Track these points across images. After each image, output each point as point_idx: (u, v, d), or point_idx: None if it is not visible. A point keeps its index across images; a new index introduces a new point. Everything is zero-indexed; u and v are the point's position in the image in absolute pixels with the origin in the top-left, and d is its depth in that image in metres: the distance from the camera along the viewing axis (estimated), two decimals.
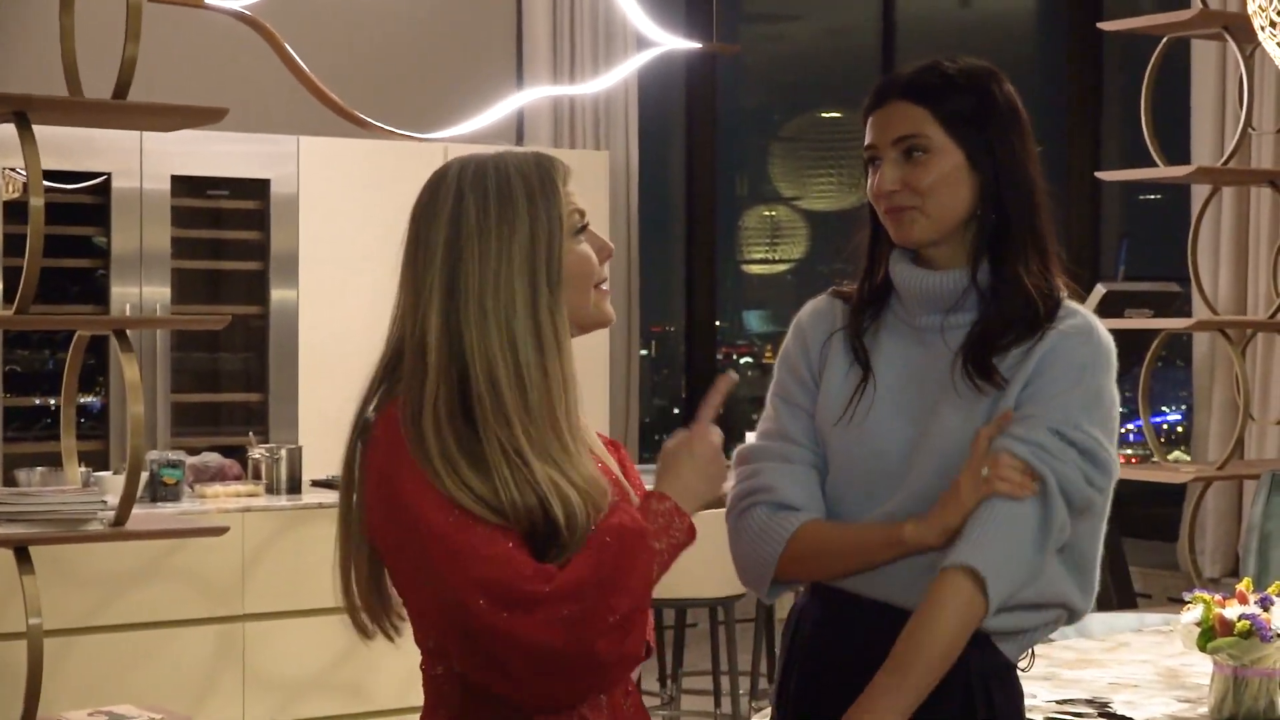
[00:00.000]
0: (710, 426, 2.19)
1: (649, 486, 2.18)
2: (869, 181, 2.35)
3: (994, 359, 2.27)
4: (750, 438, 2.49)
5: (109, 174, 6.47)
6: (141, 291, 6.53)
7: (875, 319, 2.39)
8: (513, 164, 2.11)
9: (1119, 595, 6.39)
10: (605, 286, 2.17)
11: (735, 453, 2.45)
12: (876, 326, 2.39)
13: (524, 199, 2.08)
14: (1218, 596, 2.79)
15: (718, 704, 6.02)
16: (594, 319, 2.16)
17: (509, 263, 2.06)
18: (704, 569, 4.92)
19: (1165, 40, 5.72)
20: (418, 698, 2.18)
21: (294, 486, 5.64)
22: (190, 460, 5.58)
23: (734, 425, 8.77)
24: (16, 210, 5.80)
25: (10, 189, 6.03)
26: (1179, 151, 7.05)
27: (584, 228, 2.14)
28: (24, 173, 4.19)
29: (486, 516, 1.99)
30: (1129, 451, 7.88)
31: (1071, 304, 2.33)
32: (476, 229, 2.07)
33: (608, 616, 1.98)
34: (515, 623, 1.96)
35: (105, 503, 4.27)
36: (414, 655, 2.16)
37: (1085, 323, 2.30)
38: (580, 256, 2.12)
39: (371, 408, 2.12)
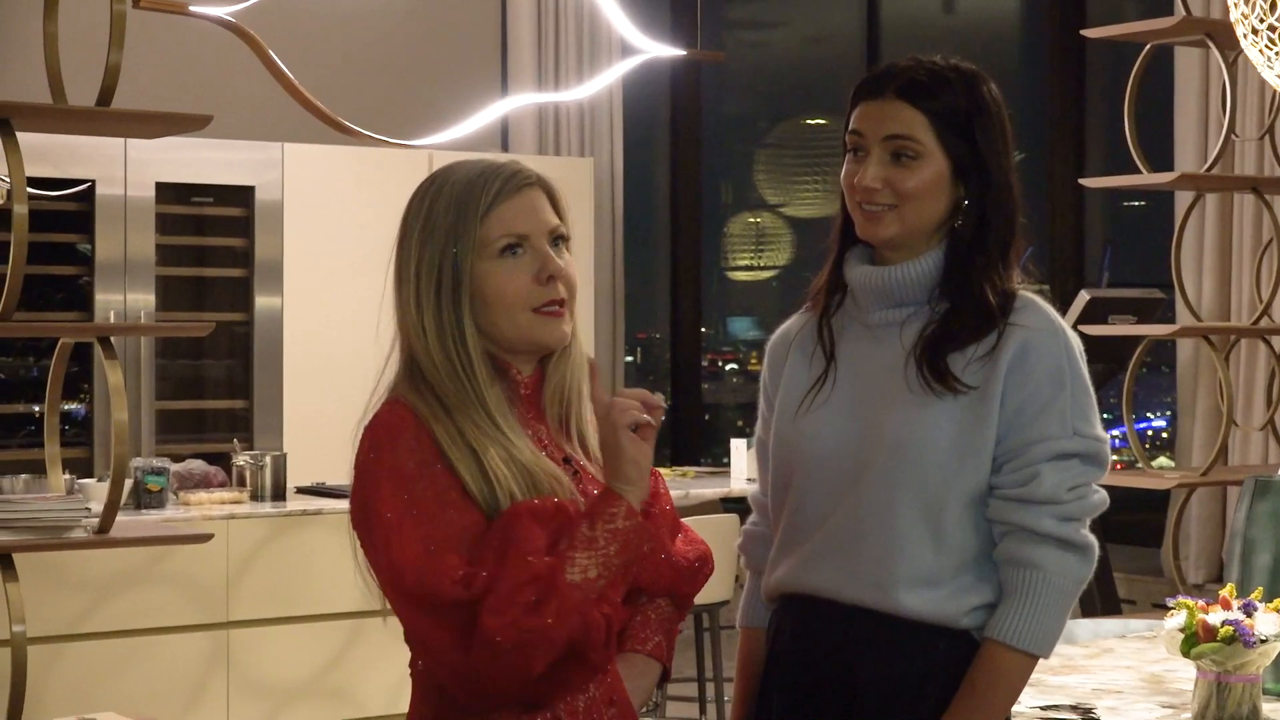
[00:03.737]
0: (598, 409, 2.16)
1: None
2: (846, 168, 2.36)
3: (950, 357, 2.29)
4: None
5: (93, 181, 6.47)
6: (126, 298, 6.52)
7: (834, 317, 2.42)
8: (451, 182, 2.18)
9: (1103, 601, 6.40)
10: (551, 310, 2.17)
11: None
12: (835, 325, 2.42)
13: (442, 221, 2.15)
14: (1201, 602, 2.79)
15: (703, 710, 6.02)
16: (531, 342, 2.18)
17: (419, 284, 2.15)
18: None
19: (1148, 47, 5.74)
20: (406, 703, 2.19)
21: (279, 493, 5.63)
22: (174, 467, 5.57)
23: (722, 431, 8.78)
24: (0, 218, 5.79)
25: None
26: (1162, 158, 7.07)
27: (513, 246, 2.16)
28: (8, 180, 4.17)
29: (448, 486, 2.06)
30: (1114, 458, 7.88)
31: (1025, 295, 2.35)
32: (403, 246, 2.18)
33: (491, 598, 1.99)
34: (424, 624, 2.04)
35: (89, 510, 4.25)
36: (403, 658, 2.17)
37: (1046, 318, 2.33)
38: (502, 280, 2.15)
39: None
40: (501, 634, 1.98)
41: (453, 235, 2.14)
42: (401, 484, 2.06)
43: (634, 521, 2.08)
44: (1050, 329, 2.30)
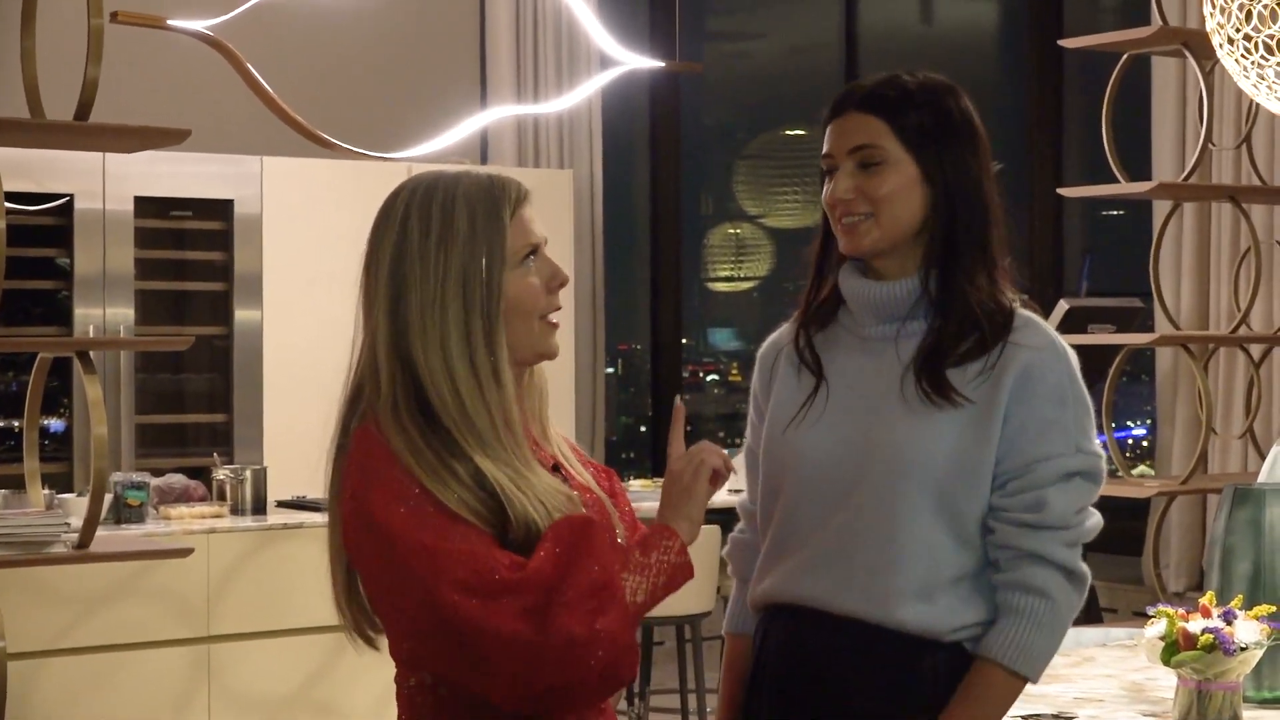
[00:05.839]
0: (678, 448, 2.23)
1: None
2: (824, 190, 2.38)
3: (949, 371, 2.29)
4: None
5: (72, 195, 6.45)
6: (105, 313, 6.51)
7: (824, 330, 2.42)
8: (463, 188, 2.14)
9: (1084, 610, 6.41)
10: (554, 319, 2.18)
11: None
12: (826, 338, 2.42)
13: (465, 227, 2.11)
14: (1181, 610, 2.80)
15: None
16: (536, 352, 2.18)
17: (444, 291, 2.09)
18: None
19: (1126, 57, 5.76)
20: (391, 715, 2.18)
21: (259, 507, 5.62)
22: (155, 482, 5.56)
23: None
24: None
25: None
26: (1140, 167, 7.09)
27: (531, 254, 2.15)
28: None
29: (458, 511, 2.03)
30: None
31: (1024, 313, 2.36)
32: (418, 253, 2.11)
33: (567, 592, 2.00)
34: (489, 611, 1.98)
35: (69, 525, 4.25)
36: (386, 672, 2.16)
37: (1048, 337, 2.34)
38: (524, 288, 2.14)
39: (346, 429, 2.15)
40: (577, 628, 1.99)
41: (483, 242, 2.10)
42: (410, 501, 2.04)
43: (685, 559, 2.13)
44: (1053, 348, 2.32)
